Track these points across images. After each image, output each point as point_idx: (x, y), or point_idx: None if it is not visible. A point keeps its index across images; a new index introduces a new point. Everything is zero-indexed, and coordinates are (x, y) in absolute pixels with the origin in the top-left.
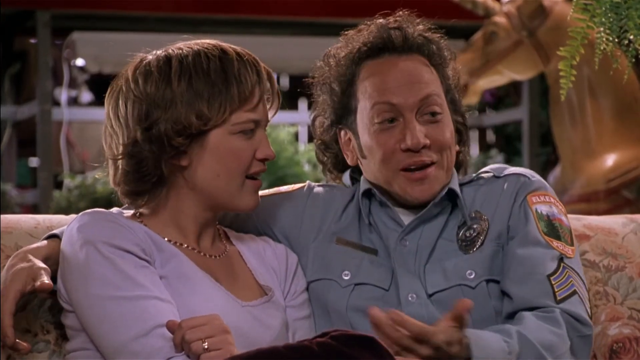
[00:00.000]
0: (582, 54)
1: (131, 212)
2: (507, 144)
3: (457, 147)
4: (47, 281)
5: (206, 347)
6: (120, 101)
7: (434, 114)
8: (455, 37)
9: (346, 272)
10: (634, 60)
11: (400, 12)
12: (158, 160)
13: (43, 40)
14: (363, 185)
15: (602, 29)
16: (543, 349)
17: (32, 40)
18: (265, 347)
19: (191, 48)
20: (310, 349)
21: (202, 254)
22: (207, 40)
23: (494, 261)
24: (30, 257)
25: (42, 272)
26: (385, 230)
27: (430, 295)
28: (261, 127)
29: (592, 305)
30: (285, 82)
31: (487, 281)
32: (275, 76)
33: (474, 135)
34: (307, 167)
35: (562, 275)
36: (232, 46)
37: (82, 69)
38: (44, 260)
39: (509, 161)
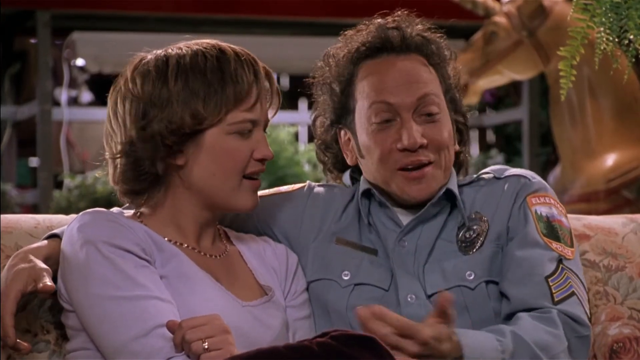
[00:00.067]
0: (582, 54)
1: (131, 211)
2: (507, 144)
3: (458, 147)
4: (49, 283)
5: (206, 347)
6: (119, 100)
7: (430, 114)
8: (455, 37)
9: (346, 272)
10: (634, 60)
11: (400, 12)
12: (153, 160)
13: (43, 40)
14: (362, 185)
15: (602, 29)
16: (538, 349)
17: (32, 40)
18: (265, 347)
19: (190, 48)
20: (310, 349)
21: (202, 253)
22: (207, 41)
23: (494, 262)
24: (31, 257)
25: (44, 273)
26: (384, 230)
27: (429, 296)
28: (259, 127)
29: (592, 305)
30: (285, 82)
31: (487, 282)
32: (275, 76)
33: (474, 135)
34: (307, 167)
35: (561, 277)
36: (232, 46)
37: (82, 69)
38: (45, 260)
39: (509, 161)
